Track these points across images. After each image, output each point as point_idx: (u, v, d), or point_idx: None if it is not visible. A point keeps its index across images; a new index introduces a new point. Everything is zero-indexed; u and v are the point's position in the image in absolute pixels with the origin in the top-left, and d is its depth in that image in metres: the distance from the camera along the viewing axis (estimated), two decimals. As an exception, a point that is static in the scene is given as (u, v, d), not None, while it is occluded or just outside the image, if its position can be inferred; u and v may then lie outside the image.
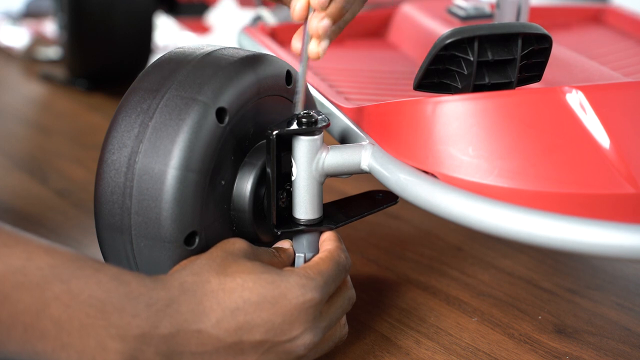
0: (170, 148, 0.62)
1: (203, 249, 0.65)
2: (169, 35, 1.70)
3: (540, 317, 0.81)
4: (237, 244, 0.65)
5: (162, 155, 0.62)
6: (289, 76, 0.72)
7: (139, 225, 0.63)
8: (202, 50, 0.69)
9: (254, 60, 0.68)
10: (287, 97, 0.72)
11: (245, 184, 0.68)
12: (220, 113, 0.64)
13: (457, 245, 0.95)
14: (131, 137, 0.64)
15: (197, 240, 0.64)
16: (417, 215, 1.01)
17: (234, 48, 0.70)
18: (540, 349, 0.75)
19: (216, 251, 0.64)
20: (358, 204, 0.75)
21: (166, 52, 0.70)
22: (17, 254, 0.55)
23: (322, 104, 0.81)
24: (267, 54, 0.71)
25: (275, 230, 0.69)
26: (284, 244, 0.70)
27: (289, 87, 0.72)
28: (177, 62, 0.67)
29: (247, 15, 1.60)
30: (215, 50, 0.69)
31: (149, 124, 0.63)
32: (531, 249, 0.92)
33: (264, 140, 0.69)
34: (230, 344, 0.60)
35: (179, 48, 0.70)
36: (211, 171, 0.64)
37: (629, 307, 0.83)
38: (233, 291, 0.60)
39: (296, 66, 0.74)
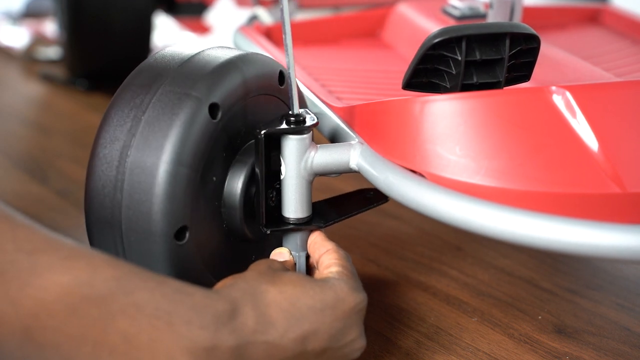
0: (163, 142, 0.62)
1: (193, 244, 0.65)
2: (168, 34, 1.70)
3: (540, 317, 0.80)
4: (276, 262, 0.65)
5: (154, 149, 0.62)
6: (282, 76, 0.72)
7: (129, 219, 0.63)
8: (194, 49, 0.69)
9: (247, 59, 0.68)
10: (280, 97, 0.72)
11: (236, 182, 0.68)
12: (213, 109, 0.64)
13: (457, 245, 0.95)
14: (124, 131, 0.64)
15: (187, 235, 0.64)
16: (417, 215, 1.00)
17: (228, 47, 0.71)
18: (540, 349, 0.75)
19: (259, 266, 0.63)
20: (349, 202, 0.75)
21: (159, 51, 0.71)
22: (82, 266, 0.53)
23: (313, 103, 0.80)
24: (261, 54, 0.71)
25: (265, 229, 0.69)
26: (284, 255, 0.70)
27: (281, 87, 0.72)
28: (170, 59, 0.67)
29: (245, 14, 1.60)
30: (208, 48, 0.69)
31: (142, 118, 0.63)
32: (531, 248, 0.92)
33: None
34: (296, 354, 0.59)
35: (170, 47, 0.70)
36: (203, 167, 0.64)
37: (629, 307, 0.83)
38: (297, 299, 0.59)
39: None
